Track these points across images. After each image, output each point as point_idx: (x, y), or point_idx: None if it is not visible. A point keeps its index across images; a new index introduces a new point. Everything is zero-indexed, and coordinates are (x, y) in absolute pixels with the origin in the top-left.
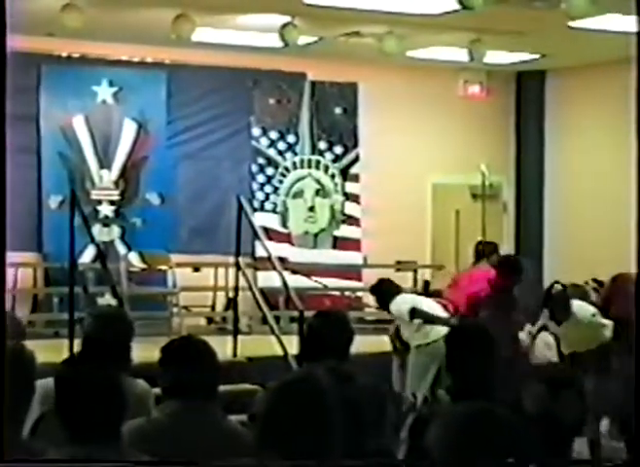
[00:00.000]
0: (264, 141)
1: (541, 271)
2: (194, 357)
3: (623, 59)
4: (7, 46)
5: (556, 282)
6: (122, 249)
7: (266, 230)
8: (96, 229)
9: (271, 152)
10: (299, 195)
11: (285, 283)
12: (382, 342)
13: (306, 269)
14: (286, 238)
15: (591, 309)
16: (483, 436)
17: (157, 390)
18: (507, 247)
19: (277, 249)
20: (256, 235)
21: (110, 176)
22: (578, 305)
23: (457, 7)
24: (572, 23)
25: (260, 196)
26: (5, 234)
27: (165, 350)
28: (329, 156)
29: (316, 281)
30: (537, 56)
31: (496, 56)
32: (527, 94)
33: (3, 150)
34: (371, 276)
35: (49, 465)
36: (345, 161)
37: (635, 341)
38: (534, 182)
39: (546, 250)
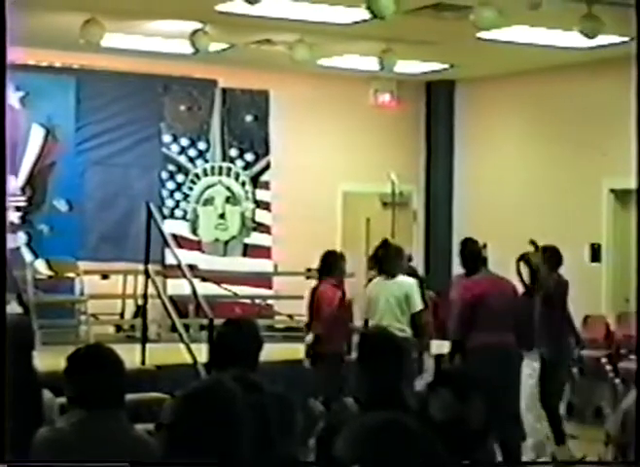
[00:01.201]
0: (174, 148)
1: (449, 279)
2: (100, 365)
3: (532, 70)
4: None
5: None
6: (28, 256)
7: (176, 237)
8: None
9: (182, 159)
10: (209, 202)
11: (195, 291)
12: (292, 350)
13: (217, 277)
14: (196, 246)
15: None
16: (391, 446)
17: (62, 399)
18: (417, 256)
19: (187, 257)
20: (165, 243)
21: (16, 182)
22: None
23: (368, 16)
24: (480, 34)
25: (170, 203)
26: (5, 235)
27: (71, 359)
28: (240, 163)
29: (226, 289)
30: (447, 66)
31: (406, 66)
32: (437, 104)
33: (3, 151)
34: (281, 284)
35: (48, 465)
36: (256, 168)
37: (636, 342)
38: (443, 190)
39: (455, 258)
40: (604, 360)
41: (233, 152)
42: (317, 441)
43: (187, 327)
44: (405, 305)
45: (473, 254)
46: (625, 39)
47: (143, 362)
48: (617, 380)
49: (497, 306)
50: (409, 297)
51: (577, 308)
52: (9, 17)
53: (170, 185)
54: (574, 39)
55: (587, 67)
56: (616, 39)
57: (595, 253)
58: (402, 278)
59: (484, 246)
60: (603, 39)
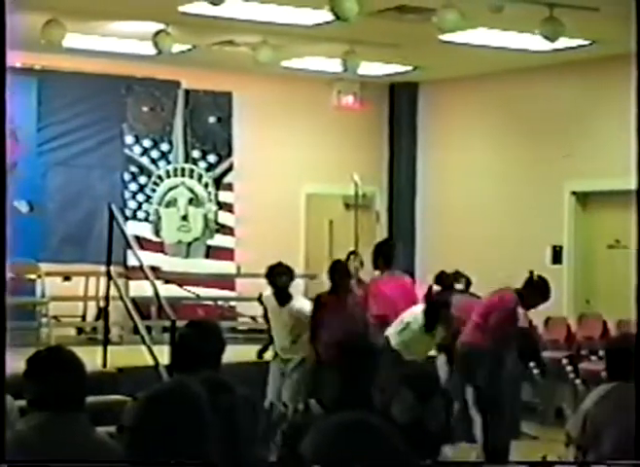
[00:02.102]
0: (136, 149)
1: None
2: (60, 368)
3: (495, 73)
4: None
5: None
6: None
7: (139, 239)
8: None
9: (144, 160)
10: (172, 203)
11: (157, 293)
12: (254, 352)
13: (179, 279)
14: (159, 247)
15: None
16: (356, 446)
17: (22, 402)
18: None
19: (150, 258)
20: (128, 244)
21: None
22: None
23: (331, 18)
24: (443, 37)
25: (132, 204)
26: (5, 236)
27: (31, 361)
28: (202, 164)
29: (189, 291)
30: (410, 69)
31: (370, 68)
32: (400, 106)
33: (3, 152)
34: (244, 286)
35: (48, 465)
36: (219, 170)
37: (635, 341)
38: (406, 192)
39: (417, 259)
40: (565, 361)
41: (196, 153)
42: (282, 440)
43: (149, 329)
44: None
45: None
46: (587, 42)
47: (105, 364)
48: (577, 381)
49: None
50: None
51: (538, 310)
52: None
53: (133, 186)
54: (536, 42)
55: (550, 70)
56: (578, 42)
57: (557, 255)
58: None
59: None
60: (565, 42)
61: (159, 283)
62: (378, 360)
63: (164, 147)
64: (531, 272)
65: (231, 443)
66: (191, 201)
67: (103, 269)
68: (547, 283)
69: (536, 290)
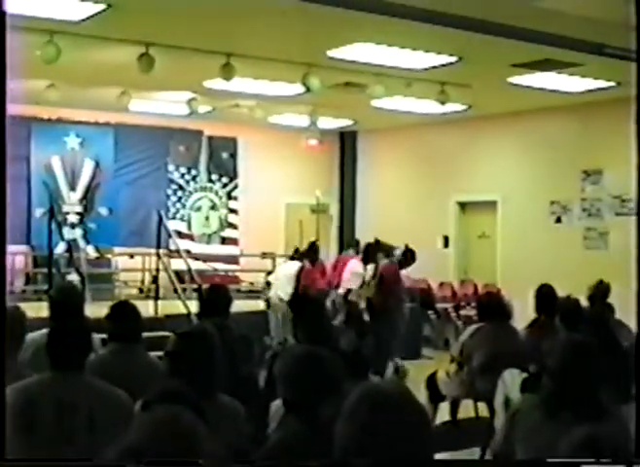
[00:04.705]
0: (175, 174)
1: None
2: (127, 314)
3: (407, 126)
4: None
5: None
6: (82, 244)
7: (177, 232)
8: (66, 230)
9: (181, 181)
10: (198, 209)
11: (189, 267)
12: (252, 305)
13: (203, 257)
14: (190, 237)
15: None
16: (309, 369)
17: (103, 335)
18: (333, 244)
19: (184, 244)
20: (170, 235)
21: (76, 196)
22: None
23: (303, 90)
24: (373, 102)
25: (173, 209)
26: (5, 237)
27: (110, 310)
28: (218, 184)
29: (209, 266)
30: (352, 122)
31: (327, 122)
32: (347, 146)
33: (3, 157)
34: (245, 262)
35: (48, 464)
36: (229, 187)
37: (636, 340)
38: (350, 203)
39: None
40: (450, 309)
41: (214, 177)
42: (267, 365)
43: (184, 290)
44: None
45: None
46: (464, 107)
47: (156, 312)
48: (459, 322)
49: (392, 279)
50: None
51: (435, 277)
52: (70, 91)
53: (173, 198)
54: (431, 105)
55: (441, 125)
56: (459, 107)
57: (446, 242)
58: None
59: (377, 241)
60: (452, 107)
61: (190, 261)
62: (324, 307)
63: (194, 172)
64: (406, 245)
65: (232, 365)
66: (211, 208)
67: (154, 251)
68: (413, 252)
69: (408, 256)
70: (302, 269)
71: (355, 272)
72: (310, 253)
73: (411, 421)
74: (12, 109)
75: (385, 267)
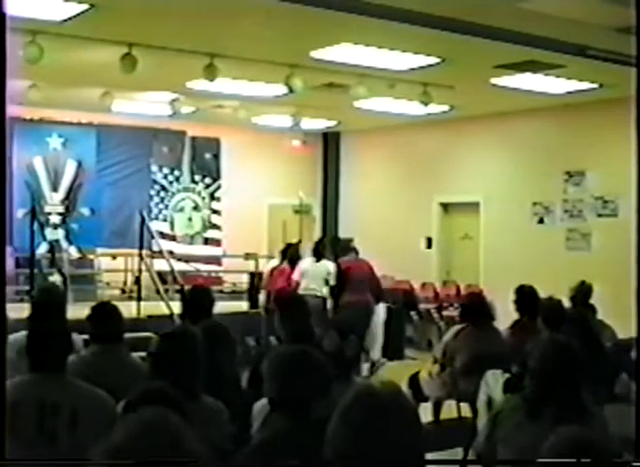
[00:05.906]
0: (159, 175)
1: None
2: (109, 315)
3: (389, 127)
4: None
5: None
6: (65, 245)
7: (160, 232)
8: (48, 231)
9: (164, 182)
10: (181, 210)
11: (172, 267)
12: (234, 306)
13: (186, 258)
14: (173, 238)
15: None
16: (296, 367)
17: (85, 337)
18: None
19: (167, 245)
20: (152, 236)
21: (58, 196)
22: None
23: (286, 91)
24: (355, 103)
25: (155, 210)
26: (4, 237)
27: (92, 310)
28: (201, 185)
29: (192, 266)
30: (335, 123)
31: (310, 123)
32: (330, 147)
33: (3, 157)
34: (228, 263)
35: (48, 464)
36: (212, 188)
37: (636, 340)
38: (332, 203)
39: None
40: (433, 310)
41: (197, 177)
42: (252, 365)
43: (167, 291)
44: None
45: (345, 246)
46: (447, 108)
47: (138, 313)
48: (441, 323)
49: (358, 277)
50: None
51: (417, 278)
52: (53, 92)
53: (156, 199)
54: (414, 107)
55: (425, 126)
56: (442, 109)
57: (429, 243)
58: (325, 261)
59: (352, 240)
60: (433, 108)
61: (173, 261)
62: (307, 307)
63: (177, 173)
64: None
65: (215, 365)
66: (194, 208)
67: (137, 252)
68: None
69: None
70: (273, 270)
71: (306, 270)
72: (288, 254)
73: (405, 422)
74: None
75: (346, 262)
